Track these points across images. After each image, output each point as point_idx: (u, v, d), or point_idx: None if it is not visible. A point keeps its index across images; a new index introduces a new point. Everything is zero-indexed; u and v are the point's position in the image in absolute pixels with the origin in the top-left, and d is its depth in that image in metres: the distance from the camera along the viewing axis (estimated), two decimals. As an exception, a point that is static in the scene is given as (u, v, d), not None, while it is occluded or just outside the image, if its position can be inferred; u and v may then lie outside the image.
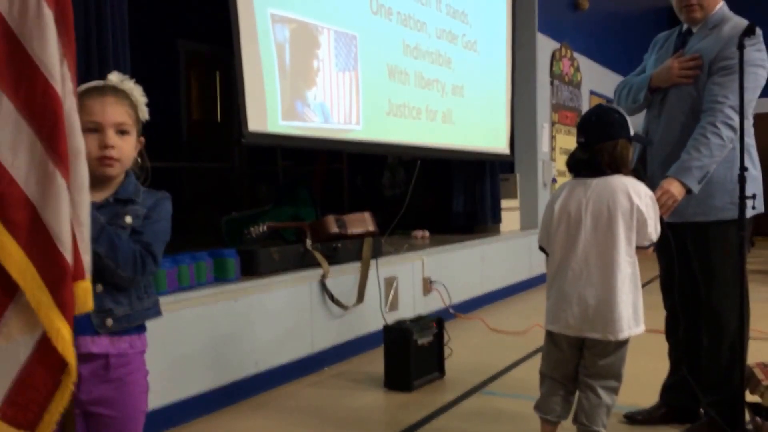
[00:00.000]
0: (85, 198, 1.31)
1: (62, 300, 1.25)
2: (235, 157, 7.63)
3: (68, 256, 1.26)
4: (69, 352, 1.27)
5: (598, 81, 8.61)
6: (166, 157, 6.37)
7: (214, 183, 7.65)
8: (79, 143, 1.30)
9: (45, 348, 1.26)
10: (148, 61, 5.85)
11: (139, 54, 3.34)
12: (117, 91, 1.62)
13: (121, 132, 1.60)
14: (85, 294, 1.33)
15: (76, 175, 1.28)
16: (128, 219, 1.59)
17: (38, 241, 1.23)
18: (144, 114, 1.67)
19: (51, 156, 1.23)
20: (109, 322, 1.56)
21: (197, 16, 6.74)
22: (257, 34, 3.59)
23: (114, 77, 1.64)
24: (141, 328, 1.66)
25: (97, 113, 1.57)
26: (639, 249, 2.23)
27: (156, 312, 1.69)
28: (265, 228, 3.79)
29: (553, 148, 7.34)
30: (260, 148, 6.70)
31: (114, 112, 1.59)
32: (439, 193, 6.67)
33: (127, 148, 1.61)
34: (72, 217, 1.28)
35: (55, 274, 1.25)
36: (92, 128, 1.56)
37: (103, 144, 1.57)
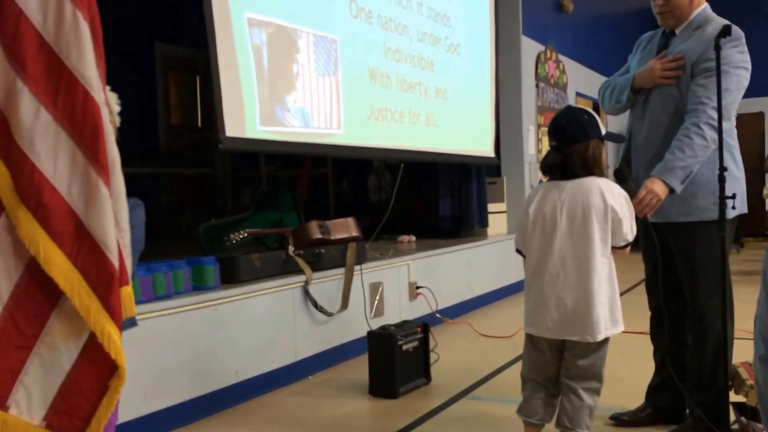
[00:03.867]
0: (124, 206, 1.35)
1: (110, 305, 1.29)
2: (217, 163, 7.54)
3: (115, 261, 1.29)
4: (120, 356, 1.30)
5: (583, 83, 8.62)
6: (144, 163, 6.31)
7: (195, 189, 7.54)
8: (114, 153, 1.33)
9: (92, 353, 1.29)
10: (124, 64, 5.80)
11: (115, 58, 3.28)
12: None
13: None
14: (129, 299, 1.36)
15: (114, 183, 1.32)
16: None
17: (83, 248, 1.26)
18: (117, 121, 1.68)
19: (94, 165, 1.26)
20: None
21: (174, 19, 6.69)
22: (233, 38, 3.54)
23: None
24: None
25: None
26: (615, 249, 2.24)
27: (131, 322, 1.67)
28: (245, 234, 3.74)
29: (539, 151, 7.33)
30: (243, 153, 6.64)
31: None
32: (426, 197, 6.64)
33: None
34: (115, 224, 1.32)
35: (103, 279, 1.27)
36: None
37: None
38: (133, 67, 6.63)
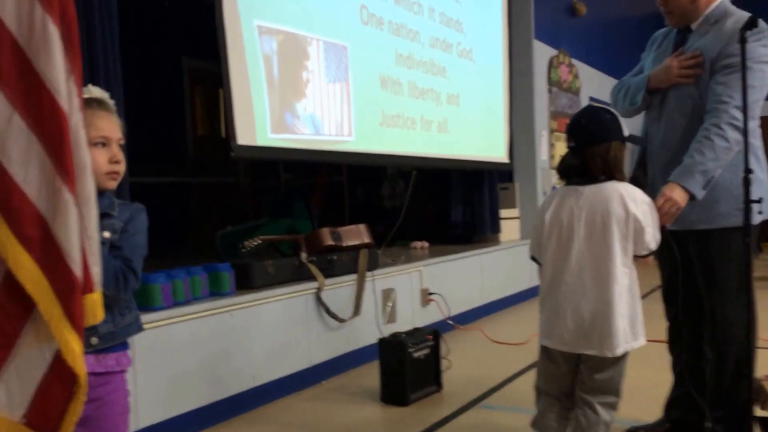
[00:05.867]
0: (93, 211, 1.34)
1: (71, 312, 1.29)
2: (239, 171, 7.64)
3: (77, 270, 1.29)
4: (78, 365, 1.31)
5: (597, 87, 8.53)
6: (174, 173, 6.42)
7: (220, 197, 7.69)
8: (85, 158, 1.33)
9: (59, 360, 1.30)
10: (153, 78, 5.89)
11: (144, 72, 3.31)
12: (110, 106, 1.65)
13: (120, 146, 1.64)
14: (94, 306, 1.36)
15: (82, 188, 1.32)
16: (106, 233, 1.58)
17: (49, 255, 1.27)
18: (119, 120, 1.70)
19: (58, 171, 1.27)
20: (94, 340, 1.56)
21: (200, 34, 6.78)
22: (244, 46, 3.54)
23: (96, 91, 1.65)
24: (125, 345, 1.66)
25: (104, 128, 1.60)
26: (637, 257, 2.12)
27: (137, 328, 1.70)
28: (259, 241, 3.73)
29: (552, 156, 7.27)
30: (262, 162, 6.69)
31: (116, 127, 1.63)
32: (438, 204, 6.62)
33: (124, 162, 1.64)
34: (81, 230, 1.31)
35: (65, 287, 1.28)
36: (101, 143, 1.59)
37: (114, 159, 1.60)
38: (163, 80, 6.74)
